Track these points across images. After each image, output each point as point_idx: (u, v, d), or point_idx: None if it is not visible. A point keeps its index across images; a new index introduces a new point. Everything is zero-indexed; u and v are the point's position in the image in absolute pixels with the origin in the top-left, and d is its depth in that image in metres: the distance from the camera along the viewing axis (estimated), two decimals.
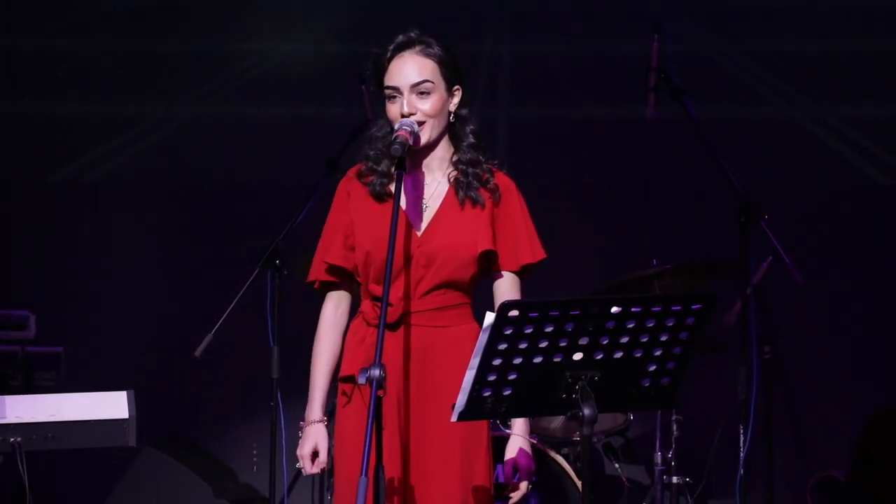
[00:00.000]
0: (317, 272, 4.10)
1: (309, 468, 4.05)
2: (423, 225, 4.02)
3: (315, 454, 4.04)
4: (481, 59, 7.30)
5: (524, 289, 4.08)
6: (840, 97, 7.32)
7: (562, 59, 7.33)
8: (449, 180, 4.05)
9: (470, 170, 4.03)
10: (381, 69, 4.02)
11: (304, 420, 4.10)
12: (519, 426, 4.05)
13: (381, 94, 4.05)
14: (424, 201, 4.04)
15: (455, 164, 4.05)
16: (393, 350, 3.94)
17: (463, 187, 4.02)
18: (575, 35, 7.32)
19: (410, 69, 3.98)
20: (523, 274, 4.08)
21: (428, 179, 4.06)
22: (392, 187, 4.00)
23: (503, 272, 4.06)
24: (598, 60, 7.30)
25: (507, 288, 4.06)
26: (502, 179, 4.08)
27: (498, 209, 4.04)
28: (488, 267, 4.06)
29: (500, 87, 7.36)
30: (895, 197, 7.27)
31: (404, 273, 3.97)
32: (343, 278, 4.09)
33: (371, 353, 3.83)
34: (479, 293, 4.09)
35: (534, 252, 4.07)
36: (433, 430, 3.94)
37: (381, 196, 4.04)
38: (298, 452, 4.06)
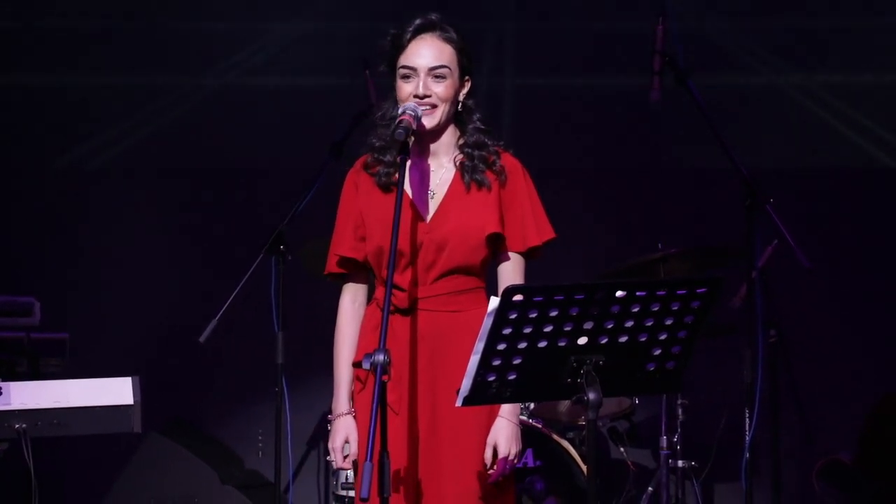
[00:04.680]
0: (331, 265, 4.12)
1: (340, 461, 4.04)
2: (431, 212, 4.03)
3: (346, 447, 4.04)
4: (486, 37, 7.28)
5: (529, 269, 4.08)
6: (849, 80, 7.29)
7: (568, 39, 7.31)
8: (455, 165, 4.05)
9: (476, 152, 4.03)
10: (399, 48, 4.02)
11: (331, 413, 4.10)
12: (506, 408, 4.01)
13: (392, 73, 4.04)
14: (431, 189, 4.05)
15: (461, 148, 4.05)
16: (406, 335, 3.95)
17: (469, 171, 4.02)
18: (581, 15, 7.30)
19: (430, 52, 3.99)
20: (531, 255, 4.08)
21: (434, 166, 4.06)
22: (397, 177, 4.00)
23: (509, 253, 4.06)
24: (605, 42, 7.28)
25: (510, 269, 4.06)
26: (508, 160, 4.08)
27: (504, 191, 4.05)
28: (497, 249, 4.06)
29: (505, 68, 7.34)
30: None
31: (416, 259, 3.97)
32: (356, 269, 4.11)
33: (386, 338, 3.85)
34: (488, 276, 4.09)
35: (540, 233, 4.07)
36: (447, 414, 3.94)
37: (387, 186, 4.04)
38: (330, 445, 4.06)
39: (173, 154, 7.42)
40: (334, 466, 4.10)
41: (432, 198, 4.03)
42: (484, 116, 4.08)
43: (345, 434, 4.03)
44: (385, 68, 4.07)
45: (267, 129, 7.32)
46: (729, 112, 6.84)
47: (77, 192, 7.33)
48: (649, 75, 5.43)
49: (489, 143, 4.05)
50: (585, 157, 7.31)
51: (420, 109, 3.95)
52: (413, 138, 3.95)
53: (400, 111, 3.94)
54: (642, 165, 7.30)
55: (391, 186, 4.03)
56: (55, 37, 7.35)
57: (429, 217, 4.01)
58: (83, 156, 7.40)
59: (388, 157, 4.04)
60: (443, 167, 4.06)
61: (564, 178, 7.09)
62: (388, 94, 4.09)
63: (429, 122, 3.98)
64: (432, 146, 4.05)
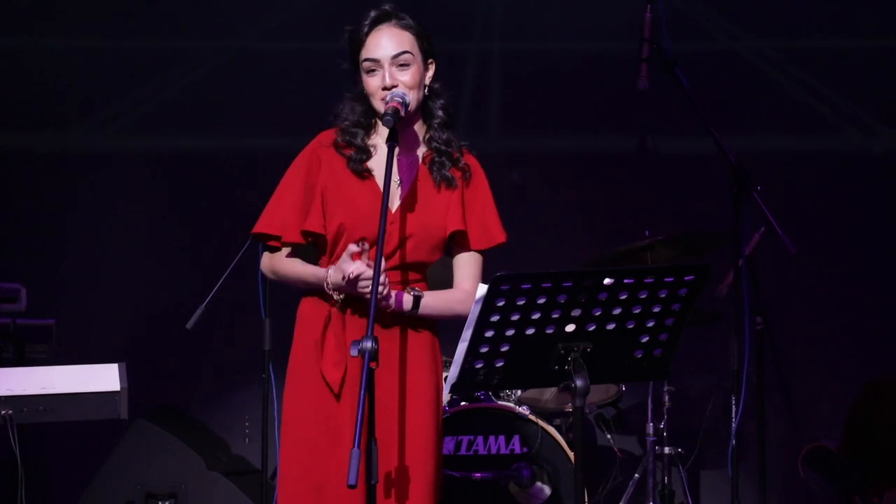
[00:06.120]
0: (292, 234, 4.04)
1: (359, 269, 3.85)
2: (397, 202, 4.04)
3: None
4: (471, 39, 7.27)
5: (486, 267, 4.09)
6: (831, 68, 7.30)
7: (555, 34, 7.31)
8: (421, 158, 4.07)
9: (444, 148, 4.05)
10: (358, 44, 4.03)
11: (326, 284, 3.94)
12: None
13: (355, 70, 4.04)
14: (397, 179, 4.04)
15: (428, 143, 4.06)
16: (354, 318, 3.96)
17: (436, 167, 4.04)
18: (568, 6, 7.30)
19: (389, 41, 3.99)
20: (486, 253, 4.10)
21: (402, 156, 4.05)
22: (369, 163, 4.04)
23: (470, 250, 4.08)
24: (591, 33, 7.28)
25: (467, 263, 4.07)
26: (471, 160, 4.11)
27: (468, 190, 4.08)
28: (451, 246, 4.08)
29: (491, 57, 7.33)
30: (887, 167, 7.26)
31: (375, 247, 3.97)
32: (307, 241, 4.08)
33: (333, 321, 3.94)
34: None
35: (502, 232, 4.09)
36: (390, 398, 3.95)
37: (360, 173, 4.04)
38: (344, 274, 3.86)
39: (161, 141, 7.40)
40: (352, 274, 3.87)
41: (398, 188, 4.04)
42: (448, 102, 4.08)
43: (340, 268, 3.88)
44: (346, 66, 4.07)
45: (254, 115, 7.30)
46: (716, 98, 6.84)
47: (63, 177, 7.31)
48: (637, 62, 5.43)
49: (455, 140, 4.07)
50: (572, 143, 7.30)
51: (407, 96, 3.94)
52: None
53: (388, 98, 3.95)
54: (629, 152, 7.30)
55: (363, 172, 4.03)
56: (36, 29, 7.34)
57: (394, 207, 4.02)
58: (69, 141, 7.38)
59: (358, 141, 4.04)
60: (410, 158, 4.06)
61: (551, 166, 7.09)
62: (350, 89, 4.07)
63: (409, 107, 3.98)
64: (401, 135, 4.02)
